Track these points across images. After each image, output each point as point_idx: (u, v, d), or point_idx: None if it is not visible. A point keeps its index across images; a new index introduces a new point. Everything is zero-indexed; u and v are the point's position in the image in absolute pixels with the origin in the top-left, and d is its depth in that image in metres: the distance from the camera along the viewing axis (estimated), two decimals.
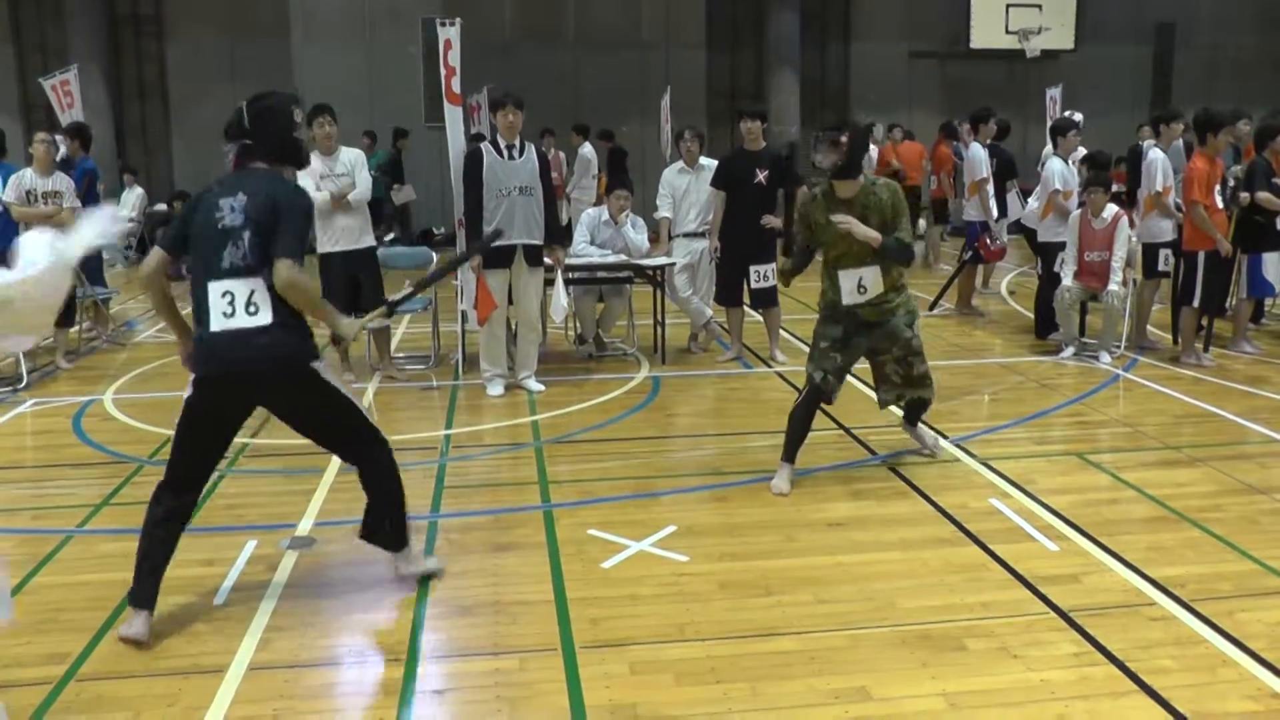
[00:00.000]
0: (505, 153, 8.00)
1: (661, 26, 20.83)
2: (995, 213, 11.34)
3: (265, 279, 4.23)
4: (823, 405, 6.27)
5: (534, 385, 8.44)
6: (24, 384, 8.86)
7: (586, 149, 17.46)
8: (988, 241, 11.29)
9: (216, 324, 4.26)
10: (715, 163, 9.46)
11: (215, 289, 4.25)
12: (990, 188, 11.34)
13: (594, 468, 6.53)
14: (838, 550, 5.17)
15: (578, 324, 9.98)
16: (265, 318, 4.24)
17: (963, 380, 8.69)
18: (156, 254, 4.47)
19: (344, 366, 8.89)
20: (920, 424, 6.65)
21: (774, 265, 9.06)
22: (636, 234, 9.53)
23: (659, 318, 9.53)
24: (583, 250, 9.47)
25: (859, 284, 5.94)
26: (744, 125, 9.18)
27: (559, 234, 8.37)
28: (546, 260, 8.34)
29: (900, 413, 6.70)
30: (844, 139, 5.71)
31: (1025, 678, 3.94)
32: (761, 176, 8.96)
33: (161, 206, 17.90)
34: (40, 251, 3.46)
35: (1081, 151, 10.96)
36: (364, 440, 4.69)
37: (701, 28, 21.15)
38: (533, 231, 8.07)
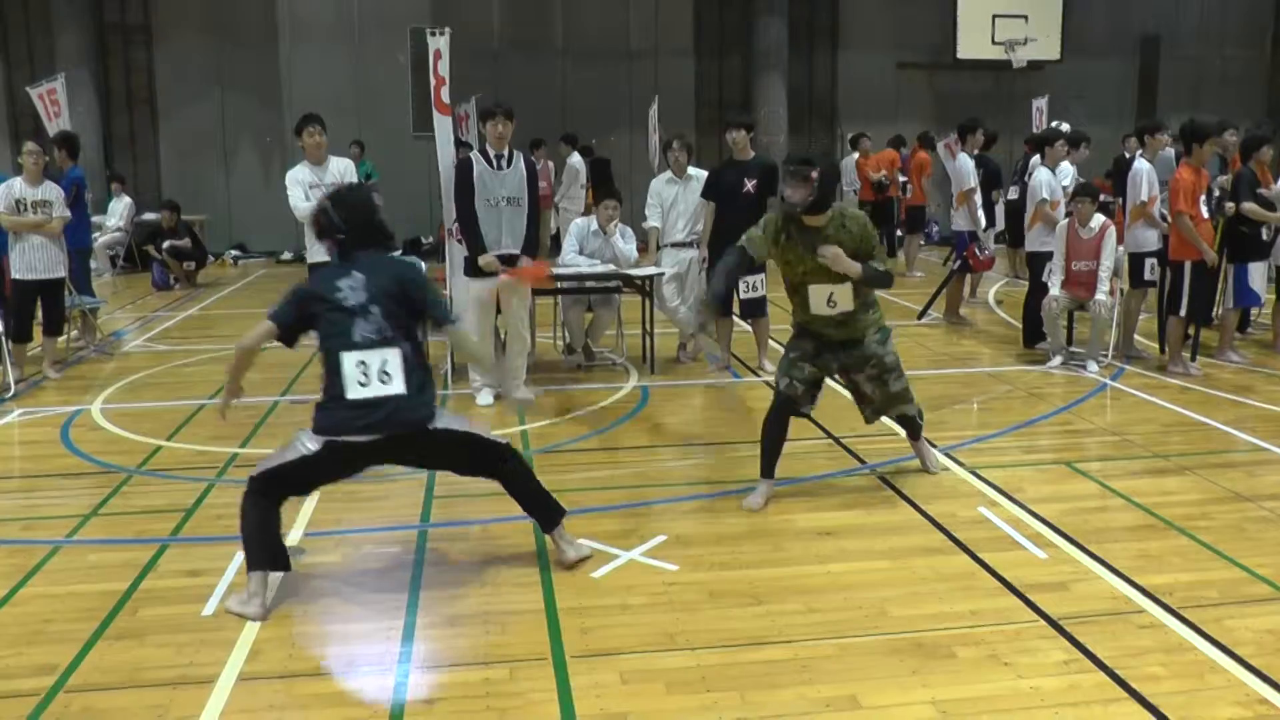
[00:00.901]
0: (494, 162, 7.99)
1: (650, 35, 20.87)
2: (984, 222, 11.41)
3: (400, 349, 4.65)
4: (811, 416, 6.27)
5: (525, 394, 8.43)
6: (11, 394, 8.84)
7: (575, 159, 17.50)
8: (976, 251, 11.34)
9: (353, 392, 4.61)
10: (704, 173, 9.48)
11: (349, 359, 4.61)
12: (978, 197, 11.41)
13: (583, 477, 6.53)
14: (827, 559, 5.18)
15: (566, 334, 9.98)
16: (398, 386, 4.62)
17: (951, 389, 8.72)
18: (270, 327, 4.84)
19: None
20: (925, 441, 6.60)
21: (763, 276, 9.08)
22: (625, 244, 9.54)
23: (648, 327, 9.55)
24: (571, 260, 9.48)
25: (829, 298, 5.90)
26: (730, 135, 9.21)
27: (535, 246, 8.27)
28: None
29: (900, 429, 6.69)
30: (814, 174, 5.64)
31: (1015, 685, 3.95)
32: (750, 186, 8.99)
33: (150, 215, 17.85)
34: None
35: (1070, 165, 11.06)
36: (492, 460, 5.02)
37: (690, 35, 21.20)
38: (519, 242, 8.06)
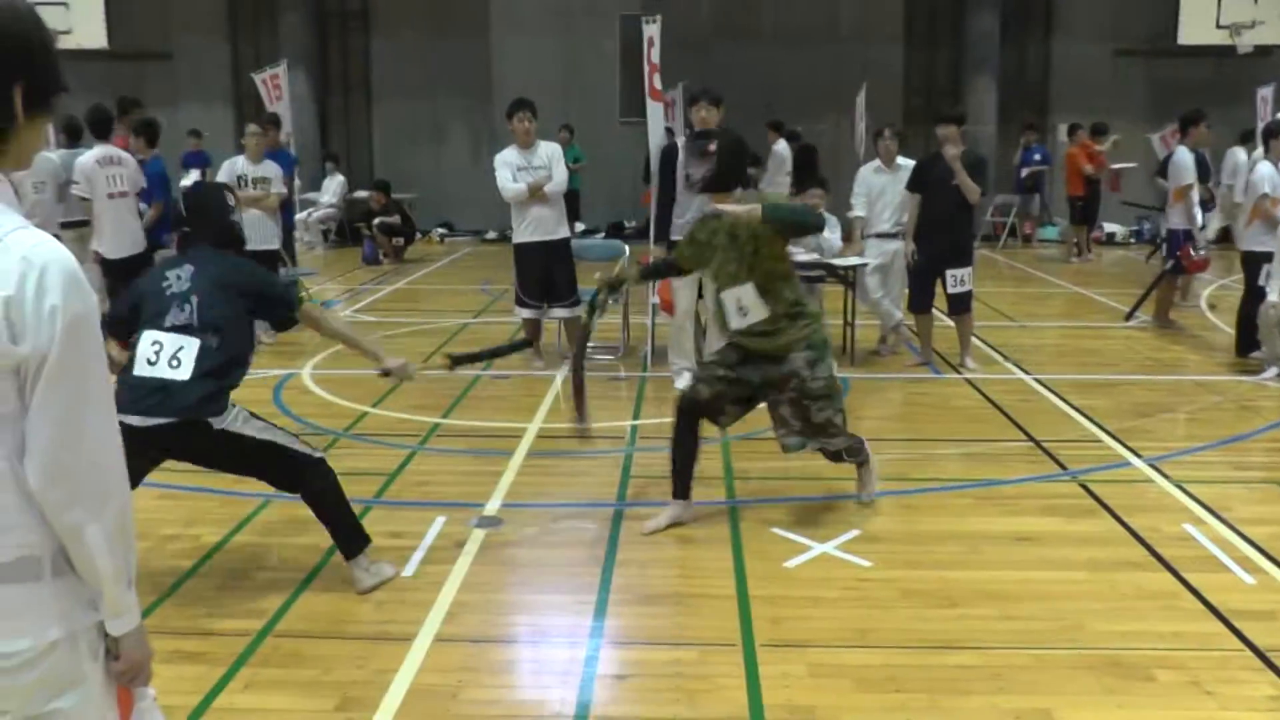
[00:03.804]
0: None
1: (859, 23, 20.54)
2: (1200, 221, 10.82)
3: (203, 342, 4.47)
4: (1013, 416, 6.00)
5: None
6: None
7: (781, 145, 17.37)
8: (1191, 251, 10.78)
9: (139, 368, 4.46)
10: (912, 163, 9.30)
11: (149, 337, 4.49)
12: (1195, 195, 10.85)
13: (780, 466, 6.46)
14: (1024, 566, 5.00)
15: None
16: (184, 374, 4.43)
17: (1158, 397, 8.30)
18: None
19: (533, 354, 9.06)
20: (866, 468, 5.82)
21: (970, 270, 8.85)
22: (829, 232, 9.43)
23: (849, 318, 9.42)
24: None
25: (738, 305, 5.31)
26: (940, 131, 8.98)
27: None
28: None
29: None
30: (712, 148, 5.24)
31: (1217, 716, 3.73)
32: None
33: (362, 193, 18.54)
34: None
35: None
36: (292, 473, 4.69)
37: (900, 24, 20.79)
38: None
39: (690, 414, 5.49)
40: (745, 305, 5.29)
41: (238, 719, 3.74)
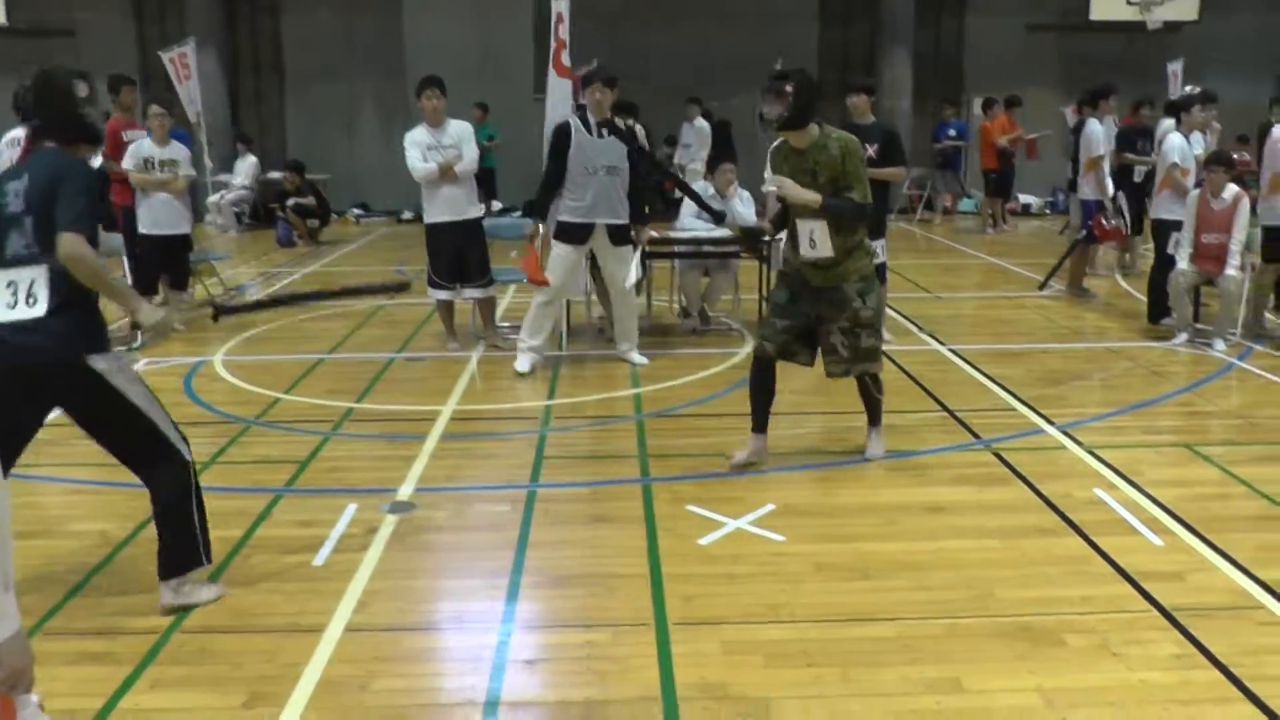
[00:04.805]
0: (594, 130, 7.95)
1: (774, 0, 20.56)
2: (1111, 190, 11.03)
3: (50, 265, 4.01)
4: (926, 388, 6.10)
5: (636, 358, 8.40)
6: (138, 344, 9.07)
7: (700, 122, 17.41)
8: (1103, 221, 10.98)
9: (1, 315, 4.06)
10: None
11: (1, 279, 4.07)
12: (1107, 165, 11.05)
13: (694, 443, 6.50)
14: (938, 535, 5.07)
15: (683, 298, 9.95)
16: (41, 309, 4.01)
17: (1071, 364, 8.47)
18: None
19: (448, 335, 8.99)
20: (878, 430, 6.22)
21: (883, 242, 8.90)
22: (744, 207, 9.45)
23: (764, 292, 9.46)
24: (689, 224, 9.42)
25: (810, 237, 5.68)
26: (851, 99, 9.02)
27: (642, 214, 8.25)
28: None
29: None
30: (789, 88, 5.50)
31: (1125, 678, 3.81)
32: (870, 151, 8.79)
33: (275, 175, 18.24)
34: None
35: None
36: (155, 458, 4.32)
37: (815, 1, 20.84)
38: (617, 210, 7.98)
39: (762, 364, 5.96)
40: (816, 240, 5.66)
41: None
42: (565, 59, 8.83)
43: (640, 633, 4.13)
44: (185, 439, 4.42)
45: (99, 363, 4.10)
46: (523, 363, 8.20)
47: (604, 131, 7.93)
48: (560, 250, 8.05)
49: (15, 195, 4.10)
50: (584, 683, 3.79)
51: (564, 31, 8.78)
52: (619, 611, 4.32)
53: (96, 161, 9.54)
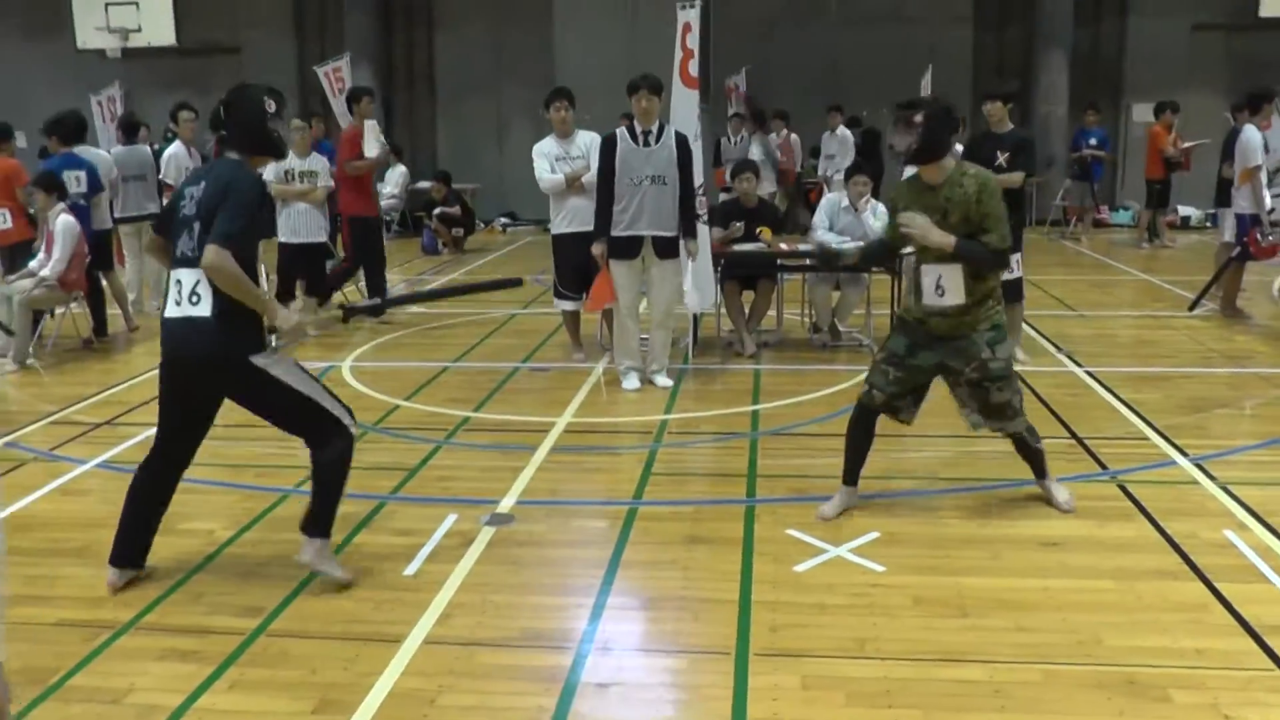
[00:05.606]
0: (640, 139, 7.79)
1: (926, 3, 20.10)
2: (1269, 204, 10.35)
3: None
4: (1055, 412, 5.71)
5: (662, 380, 8.16)
6: (274, 347, 9.25)
7: (843, 131, 17.12)
8: (1258, 237, 10.35)
9: (169, 310, 4.45)
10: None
11: (173, 277, 4.44)
12: (1264, 176, 10.38)
13: (806, 464, 6.32)
14: (1046, 573, 4.76)
15: (813, 312, 9.76)
16: (205, 309, 4.34)
17: (1214, 391, 7.93)
18: (153, 237, 4.84)
19: (573, 345, 8.99)
20: (1049, 479, 5.61)
21: (1019, 256, 8.56)
22: (877, 221, 9.22)
23: (897, 308, 9.21)
24: (821, 236, 9.24)
25: (937, 283, 5.13)
26: (986, 107, 8.70)
27: (693, 226, 8.02)
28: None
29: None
30: (919, 119, 5.00)
31: None
32: (1002, 159, 8.47)
33: (424, 184, 18.59)
34: None
35: None
36: (325, 433, 4.63)
37: (969, 3, 20.30)
38: (663, 222, 7.77)
39: (861, 415, 5.48)
40: (945, 286, 5.12)
41: None
42: (693, 69, 8.72)
43: (720, 661, 3.99)
44: (349, 410, 4.73)
45: (259, 359, 4.44)
46: (630, 381, 8.10)
47: (650, 140, 7.77)
48: (616, 269, 7.88)
49: (190, 199, 4.44)
50: (654, 711, 3.69)
51: (691, 41, 8.67)
52: (701, 638, 4.19)
53: (268, 174, 9.93)
